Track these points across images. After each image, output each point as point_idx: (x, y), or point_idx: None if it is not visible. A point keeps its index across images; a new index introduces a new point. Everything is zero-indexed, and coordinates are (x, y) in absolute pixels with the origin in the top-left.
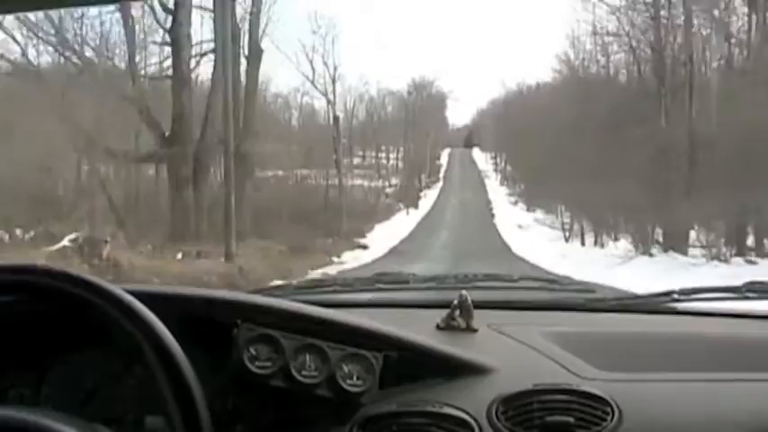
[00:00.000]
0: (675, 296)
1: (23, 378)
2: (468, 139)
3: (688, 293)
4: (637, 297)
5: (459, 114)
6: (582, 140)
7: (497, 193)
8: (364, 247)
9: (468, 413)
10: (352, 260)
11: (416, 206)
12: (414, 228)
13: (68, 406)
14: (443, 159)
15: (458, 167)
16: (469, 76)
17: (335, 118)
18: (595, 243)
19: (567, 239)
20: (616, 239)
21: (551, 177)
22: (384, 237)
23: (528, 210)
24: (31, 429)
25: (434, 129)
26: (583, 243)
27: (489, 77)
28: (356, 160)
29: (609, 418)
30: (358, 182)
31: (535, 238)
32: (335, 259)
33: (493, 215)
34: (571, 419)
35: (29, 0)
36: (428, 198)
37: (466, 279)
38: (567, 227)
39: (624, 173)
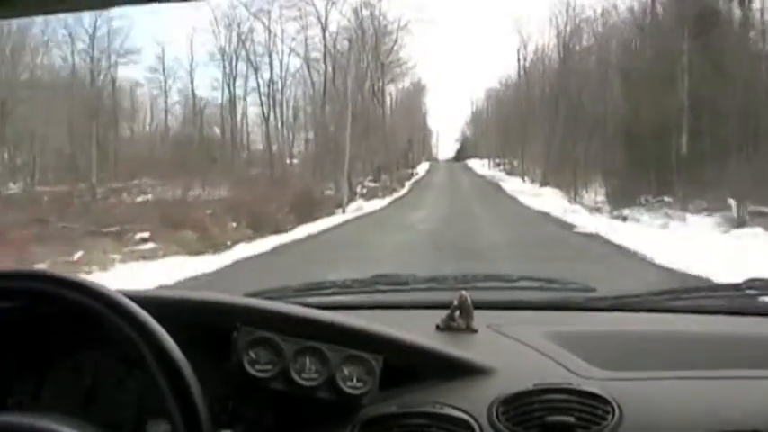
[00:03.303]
0: (675, 294)
1: (24, 383)
2: (461, 151)
3: (688, 291)
4: (637, 296)
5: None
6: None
7: (554, 202)
8: None
9: (468, 414)
10: None
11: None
12: None
13: (69, 410)
14: (420, 169)
15: (443, 174)
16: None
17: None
18: None
19: None
20: None
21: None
22: None
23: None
24: None
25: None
26: None
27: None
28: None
29: (609, 417)
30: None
31: None
32: None
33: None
34: (572, 419)
35: (35, 4)
36: (364, 219)
37: (465, 279)
38: None
39: None
